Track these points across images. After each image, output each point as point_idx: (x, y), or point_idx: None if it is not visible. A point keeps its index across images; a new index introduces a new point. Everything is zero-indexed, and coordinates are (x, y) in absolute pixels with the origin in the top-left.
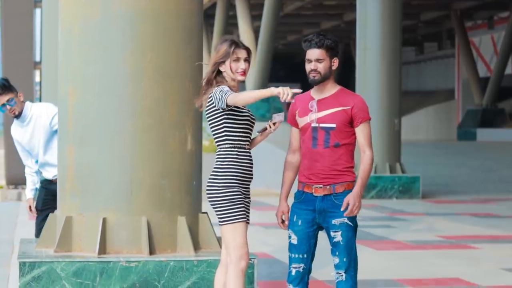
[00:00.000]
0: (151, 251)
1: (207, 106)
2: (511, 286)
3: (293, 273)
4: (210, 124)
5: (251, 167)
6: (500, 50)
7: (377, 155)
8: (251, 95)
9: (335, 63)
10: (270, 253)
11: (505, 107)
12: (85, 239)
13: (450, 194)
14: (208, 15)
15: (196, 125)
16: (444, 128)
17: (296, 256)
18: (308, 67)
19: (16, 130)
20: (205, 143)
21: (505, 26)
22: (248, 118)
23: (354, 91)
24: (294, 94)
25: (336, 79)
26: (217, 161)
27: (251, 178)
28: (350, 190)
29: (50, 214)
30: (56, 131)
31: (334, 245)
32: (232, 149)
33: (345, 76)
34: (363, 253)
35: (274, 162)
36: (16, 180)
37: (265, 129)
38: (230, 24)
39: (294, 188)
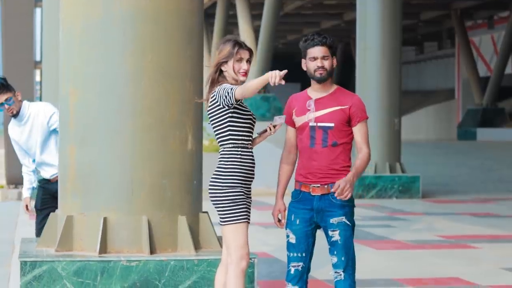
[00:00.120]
0: (152, 251)
1: (209, 106)
2: (511, 286)
3: (292, 271)
4: (212, 124)
5: (254, 167)
6: (500, 50)
7: (377, 154)
8: (254, 84)
9: (335, 62)
10: (269, 252)
11: (505, 107)
12: (86, 239)
13: (450, 193)
14: (208, 15)
15: (197, 124)
16: (444, 127)
17: (295, 255)
18: (314, 64)
19: (14, 129)
20: (205, 142)
21: (505, 25)
22: (250, 117)
23: (354, 90)
24: (284, 77)
25: (337, 78)
26: (220, 161)
27: (253, 178)
28: None
29: (51, 214)
30: (54, 131)
31: (332, 244)
32: (236, 148)
33: (345, 75)
34: (363, 252)
35: (274, 162)
36: (16, 180)
37: (265, 131)
38: (230, 24)
39: (290, 187)
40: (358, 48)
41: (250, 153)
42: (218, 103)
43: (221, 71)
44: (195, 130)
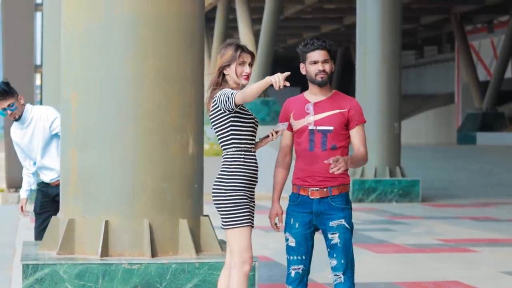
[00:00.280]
0: (153, 254)
1: (211, 111)
2: None
3: (293, 274)
4: (215, 128)
5: (257, 171)
6: (500, 54)
7: (377, 158)
8: (254, 88)
9: (333, 66)
10: (270, 256)
11: (504, 111)
12: (88, 242)
13: (450, 197)
14: (208, 19)
15: (198, 128)
16: (444, 132)
17: (295, 258)
18: (315, 68)
19: (16, 132)
20: (205, 146)
21: (505, 30)
22: (253, 121)
23: (354, 94)
24: (287, 78)
25: (336, 83)
26: (224, 164)
27: (256, 181)
28: (347, 193)
29: (53, 217)
30: (55, 135)
31: (332, 247)
32: (239, 152)
33: (345, 79)
34: (363, 256)
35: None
36: (17, 183)
37: (267, 136)
38: (230, 28)
39: (285, 190)
40: (358, 52)
41: (254, 157)
42: (219, 108)
43: (223, 75)
44: (196, 134)
